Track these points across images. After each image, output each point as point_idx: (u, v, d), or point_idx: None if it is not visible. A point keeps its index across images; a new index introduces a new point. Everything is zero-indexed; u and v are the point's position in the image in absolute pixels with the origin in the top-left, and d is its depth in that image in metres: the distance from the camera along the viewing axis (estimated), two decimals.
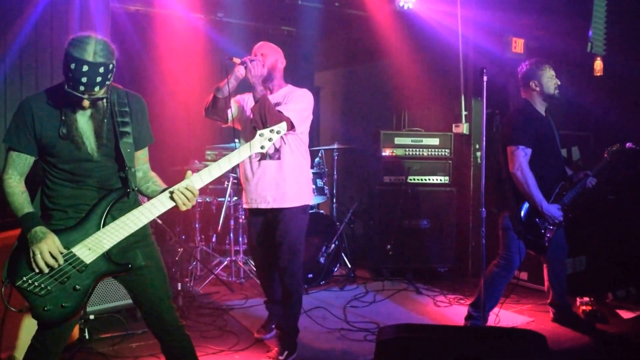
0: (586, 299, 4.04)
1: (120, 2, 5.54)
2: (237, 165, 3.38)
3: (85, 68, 1.89)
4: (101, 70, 1.93)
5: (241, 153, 2.14)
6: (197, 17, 6.43)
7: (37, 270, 1.95)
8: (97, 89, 1.95)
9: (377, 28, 5.78)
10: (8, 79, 4.44)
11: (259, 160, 3.22)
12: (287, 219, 3.21)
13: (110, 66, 1.98)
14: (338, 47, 6.88)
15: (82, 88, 1.92)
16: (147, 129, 2.27)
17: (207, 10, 6.35)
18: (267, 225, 3.31)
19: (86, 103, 1.98)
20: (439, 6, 5.29)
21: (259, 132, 2.18)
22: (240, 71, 3.08)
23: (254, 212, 3.36)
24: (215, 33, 6.56)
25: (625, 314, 4.04)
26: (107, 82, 2.00)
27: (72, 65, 1.89)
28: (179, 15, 6.20)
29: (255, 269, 3.92)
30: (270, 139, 2.17)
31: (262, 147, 2.17)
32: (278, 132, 2.19)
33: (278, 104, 3.15)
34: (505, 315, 3.96)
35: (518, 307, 4.24)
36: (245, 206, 3.39)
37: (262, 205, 3.25)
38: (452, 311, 4.19)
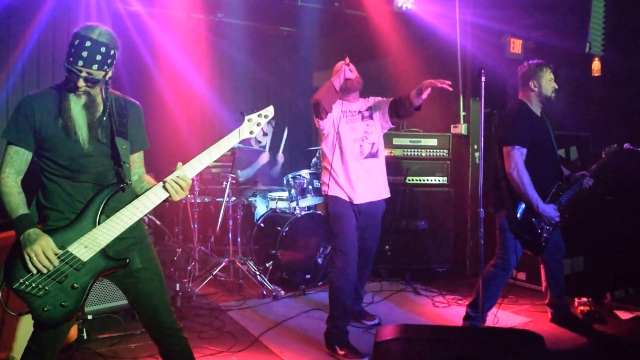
0: (584, 299, 4.05)
1: (121, 1, 5.54)
2: (327, 163, 3.50)
3: (88, 43, 1.97)
4: (102, 49, 1.99)
5: (230, 140, 2.14)
6: (197, 18, 6.43)
7: (33, 273, 1.94)
8: (95, 67, 1.98)
9: (376, 28, 5.79)
10: (10, 91, 4.48)
11: (365, 158, 3.49)
12: (382, 208, 3.65)
13: (112, 52, 2.03)
14: (337, 47, 6.88)
15: (81, 63, 1.97)
16: (142, 133, 2.30)
17: (208, 11, 6.36)
18: (364, 217, 3.53)
19: (81, 83, 2.00)
20: (437, 7, 5.30)
21: (247, 117, 2.18)
22: (347, 72, 3.45)
23: (358, 207, 3.49)
24: (215, 33, 6.56)
25: (624, 315, 4.04)
26: (106, 68, 2.03)
27: (77, 42, 1.97)
28: (179, 16, 6.21)
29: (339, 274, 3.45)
30: (258, 124, 2.18)
31: (251, 132, 2.18)
32: (266, 117, 2.19)
33: (370, 108, 3.62)
34: (504, 316, 3.96)
35: (516, 307, 4.24)
36: (355, 202, 3.45)
37: (371, 198, 3.51)
38: (451, 312, 4.19)
